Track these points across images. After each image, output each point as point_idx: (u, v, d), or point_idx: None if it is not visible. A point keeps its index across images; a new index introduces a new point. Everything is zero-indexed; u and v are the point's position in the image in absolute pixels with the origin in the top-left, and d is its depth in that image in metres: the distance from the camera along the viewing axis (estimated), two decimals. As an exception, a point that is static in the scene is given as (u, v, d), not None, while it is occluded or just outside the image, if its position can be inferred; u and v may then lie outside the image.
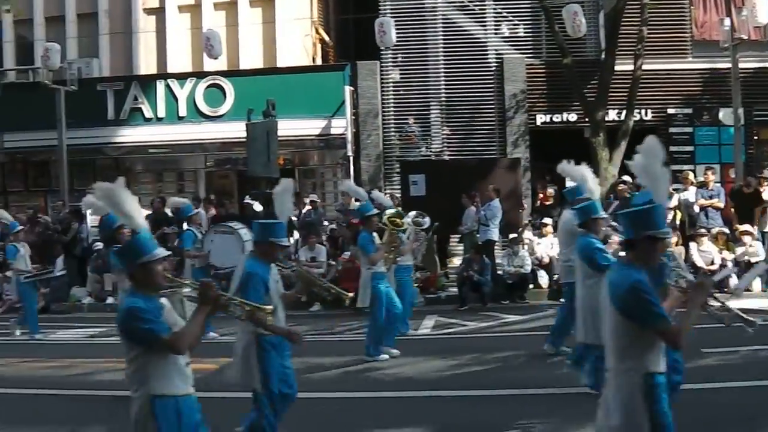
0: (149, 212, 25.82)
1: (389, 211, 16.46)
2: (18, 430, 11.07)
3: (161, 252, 6.45)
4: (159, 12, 31.83)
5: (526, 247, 21.72)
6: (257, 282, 8.72)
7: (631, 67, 25.78)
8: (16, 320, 19.23)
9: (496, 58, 28.49)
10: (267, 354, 8.70)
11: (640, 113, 27.08)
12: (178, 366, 6.27)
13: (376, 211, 15.06)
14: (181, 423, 6.23)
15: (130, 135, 29.92)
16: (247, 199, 25.24)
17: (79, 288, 23.66)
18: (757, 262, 19.59)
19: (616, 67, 25.97)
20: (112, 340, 18.23)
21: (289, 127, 26.00)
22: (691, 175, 23.25)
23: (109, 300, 23.02)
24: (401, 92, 28.95)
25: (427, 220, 18.30)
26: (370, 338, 14.38)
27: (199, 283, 6.71)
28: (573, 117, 27.97)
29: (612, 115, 26.73)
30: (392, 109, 28.90)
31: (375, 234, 14.72)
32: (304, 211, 24.67)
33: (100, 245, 23.90)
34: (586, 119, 26.25)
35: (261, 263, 8.98)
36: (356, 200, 15.62)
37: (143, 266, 6.28)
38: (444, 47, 28.73)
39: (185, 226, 19.85)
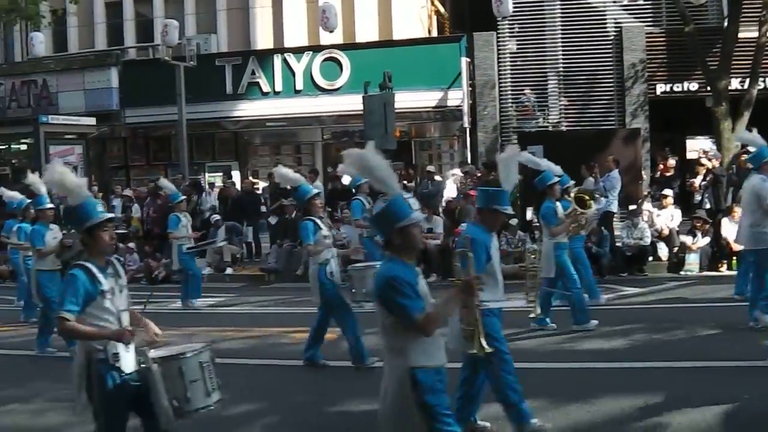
0: (266, 184, 26.21)
1: (577, 189, 16.04)
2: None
3: (418, 216, 6.40)
4: (275, -14, 32.11)
5: (645, 218, 21.33)
6: (480, 248, 8.37)
7: (755, 34, 24.97)
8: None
9: (615, 27, 28.00)
10: (488, 320, 8.40)
11: (764, 81, 26.27)
12: (434, 336, 6.19)
13: (556, 179, 14.67)
14: (441, 392, 6.20)
15: (248, 109, 30.31)
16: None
17: (199, 259, 24.03)
18: None
19: (740, 34, 25.18)
20: (230, 310, 18.64)
21: (405, 100, 25.97)
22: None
23: (228, 271, 23.39)
24: (518, 63, 28.68)
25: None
26: (575, 310, 14.14)
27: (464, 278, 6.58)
28: (694, 86, 27.31)
29: (735, 84, 25.99)
30: (509, 80, 28.65)
31: (558, 203, 14.47)
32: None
33: (217, 217, 24.31)
34: (708, 88, 25.58)
35: (483, 230, 8.75)
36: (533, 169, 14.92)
37: (401, 230, 6.17)
38: (561, 16, 28.33)
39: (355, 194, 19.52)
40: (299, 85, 29.68)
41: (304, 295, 16.39)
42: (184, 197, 20.16)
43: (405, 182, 23.17)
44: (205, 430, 9.55)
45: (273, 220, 24.55)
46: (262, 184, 27.64)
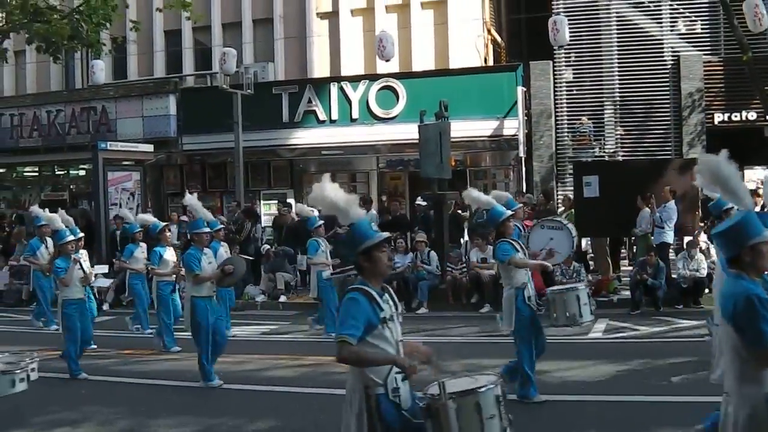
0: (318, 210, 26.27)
1: None
2: (196, 420, 11.44)
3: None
4: (332, 16, 32.33)
5: (701, 250, 21.10)
6: None
7: (815, 63, 24.77)
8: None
9: (672, 56, 27.87)
10: None
11: (824, 111, 25.98)
12: None
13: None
14: None
15: (304, 137, 30.43)
16: (419, 201, 25.31)
17: (252, 286, 24.13)
18: None
19: (799, 63, 24.98)
20: (284, 338, 18.68)
21: (460, 128, 25.95)
22: None
23: (282, 299, 23.45)
24: (574, 92, 28.64)
25: None
26: None
27: None
28: (753, 116, 27.05)
29: (794, 113, 25.75)
30: (565, 109, 28.60)
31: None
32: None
33: (267, 247, 24.45)
34: (767, 118, 25.33)
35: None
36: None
37: (753, 248, 5.84)
38: (618, 45, 28.26)
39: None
40: (355, 114, 29.76)
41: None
42: (322, 222, 19.48)
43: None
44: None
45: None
46: (316, 212, 27.66)
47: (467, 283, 21.80)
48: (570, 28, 26.96)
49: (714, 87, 27.61)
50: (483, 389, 6.46)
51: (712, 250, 21.17)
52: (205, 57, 34.31)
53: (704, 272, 20.21)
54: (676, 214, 20.78)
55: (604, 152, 28.16)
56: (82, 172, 32.72)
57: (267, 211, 30.46)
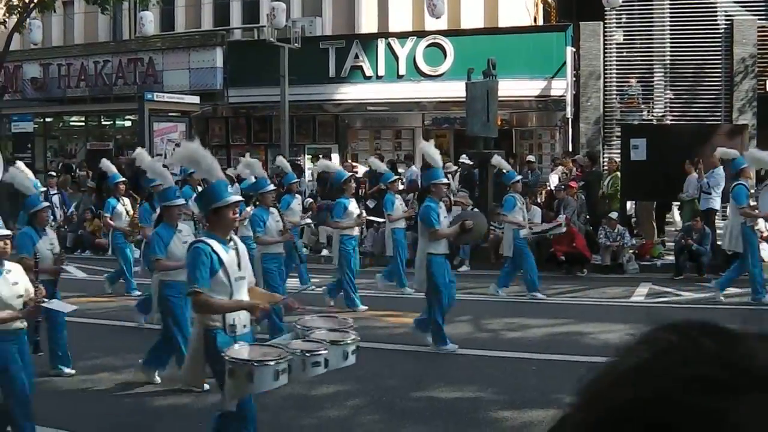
0: (366, 169, 26.21)
1: None
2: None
3: None
4: (383, -29, 32.10)
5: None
6: None
7: None
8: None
9: (726, 20, 27.36)
10: None
11: None
12: None
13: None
14: None
15: (350, 92, 30.33)
16: (463, 159, 25.17)
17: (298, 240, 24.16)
18: None
19: None
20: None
21: (508, 88, 25.67)
22: None
23: (324, 252, 23.43)
24: (624, 54, 28.25)
25: None
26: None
27: None
28: (806, 83, 26.64)
29: None
30: (614, 71, 28.23)
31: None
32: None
33: (310, 200, 24.42)
34: (820, 85, 24.94)
35: None
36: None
37: None
38: (671, 7, 27.79)
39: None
40: (402, 71, 29.59)
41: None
42: (519, 177, 18.49)
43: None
44: (297, 409, 9.55)
45: (371, 203, 24.50)
46: (361, 168, 27.69)
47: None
48: (622, -11, 26.64)
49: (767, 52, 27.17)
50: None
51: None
52: (253, 10, 34.18)
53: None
54: (723, 180, 20.46)
55: (653, 116, 27.84)
56: (127, 123, 32.87)
57: (310, 165, 30.42)
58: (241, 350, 7.32)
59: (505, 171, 18.23)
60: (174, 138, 28.98)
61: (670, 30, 27.82)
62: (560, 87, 27.64)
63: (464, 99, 23.58)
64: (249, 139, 33.52)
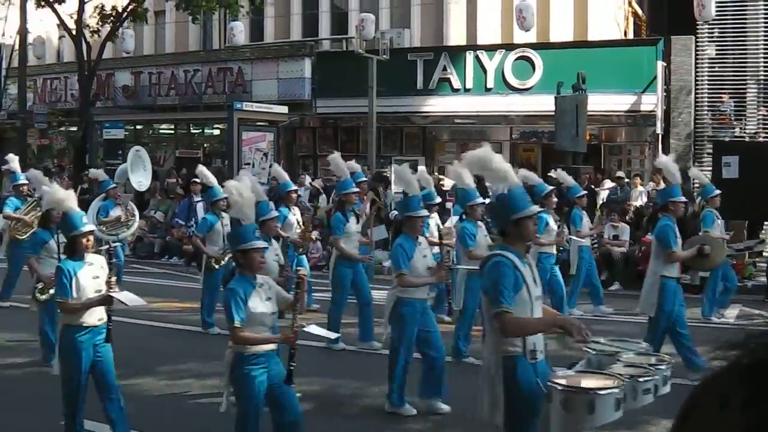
0: (453, 183, 26.09)
1: None
2: (321, 380, 11.42)
3: None
4: (470, -17, 32.04)
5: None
6: None
7: None
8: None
9: (824, 34, 26.89)
10: None
11: None
12: None
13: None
14: None
15: (437, 105, 30.30)
16: (552, 173, 24.95)
17: (381, 251, 24.13)
18: None
19: None
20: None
21: (597, 102, 25.43)
22: None
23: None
24: (716, 69, 27.80)
25: None
26: None
27: None
28: None
29: None
30: (706, 86, 27.81)
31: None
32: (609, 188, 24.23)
33: (395, 213, 24.36)
34: None
35: None
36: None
37: None
38: (765, 22, 27.33)
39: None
40: (490, 83, 29.47)
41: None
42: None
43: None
44: (380, 419, 9.51)
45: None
46: (447, 181, 27.60)
47: (598, 258, 21.44)
48: (715, 3, 26.22)
49: None
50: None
51: None
52: (342, 21, 34.41)
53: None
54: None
55: (745, 133, 27.37)
56: (216, 132, 33.18)
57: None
58: (567, 378, 6.60)
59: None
60: (262, 148, 29.20)
61: (764, 45, 27.37)
62: (650, 102, 27.28)
63: (552, 113, 23.45)
64: (336, 150, 33.57)
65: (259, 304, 7.67)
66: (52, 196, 9.41)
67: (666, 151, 27.03)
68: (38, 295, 12.12)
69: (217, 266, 15.00)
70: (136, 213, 17.68)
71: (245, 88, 33.56)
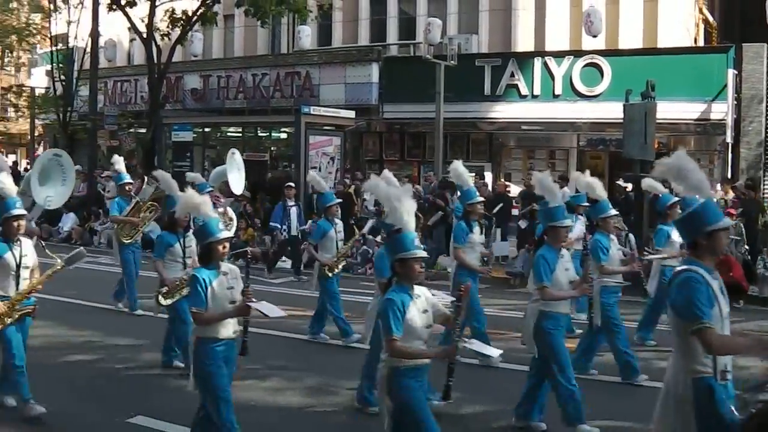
0: (522, 189, 26.04)
1: None
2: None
3: None
4: (541, -12, 31.96)
5: None
6: None
7: None
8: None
9: None
10: None
11: None
12: None
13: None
14: None
15: (505, 111, 30.23)
16: (620, 181, 24.81)
17: (444, 257, 24.07)
18: None
19: None
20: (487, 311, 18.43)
21: (666, 110, 25.14)
22: None
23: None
24: (789, 77, 27.44)
25: None
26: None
27: None
28: None
29: None
30: (777, 94, 27.46)
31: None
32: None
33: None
34: None
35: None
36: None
37: None
38: (840, 30, 26.96)
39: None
40: (558, 90, 29.34)
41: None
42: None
43: None
44: (445, 423, 9.49)
45: (523, 224, 24.33)
46: (514, 188, 27.54)
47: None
48: (788, 10, 25.93)
49: None
50: None
51: None
52: (409, 26, 34.49)
53: None
54: None
55: (819, 142, 27.00)
56: (283, 135, 33.34)
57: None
58: None
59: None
60: (329, 152, 29.34)
61: (839, 52, 26.99)
62: (721, 110, 26.97)
63: (620, 120, 23.23)
64: (402, 155, 33.72)
65: (417, 315, 7.30)
66: (188, 201, 9.07)
67: (736, 160, 26.78)
68: (161, 299, 12.19)
69: (330, 274, 14.86)
70: (234, 217, 17.56)
71: (313, 92, 33.74)
